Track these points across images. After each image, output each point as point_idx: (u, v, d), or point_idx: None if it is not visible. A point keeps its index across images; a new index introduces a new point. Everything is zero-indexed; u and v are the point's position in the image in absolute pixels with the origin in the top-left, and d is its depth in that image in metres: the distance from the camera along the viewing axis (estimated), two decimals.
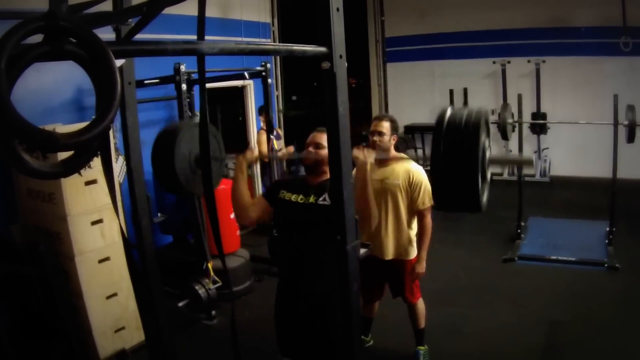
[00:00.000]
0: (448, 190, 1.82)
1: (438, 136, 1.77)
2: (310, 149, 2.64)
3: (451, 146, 1.75)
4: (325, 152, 2.53)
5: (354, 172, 2.19)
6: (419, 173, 3.42)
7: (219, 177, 2.99)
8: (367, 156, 2.37)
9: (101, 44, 1.16)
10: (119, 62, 1.23)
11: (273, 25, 8.01)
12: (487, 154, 1.86)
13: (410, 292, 3.59)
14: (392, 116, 3.53)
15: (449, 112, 1.83)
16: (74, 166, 1.32)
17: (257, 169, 7.46)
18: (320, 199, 2.52)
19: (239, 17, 7.04)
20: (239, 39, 6.80)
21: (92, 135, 1.16)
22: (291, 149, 2.81)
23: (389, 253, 3.47)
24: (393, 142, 3.45)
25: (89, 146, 1.29)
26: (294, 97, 10.86)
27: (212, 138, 2.80)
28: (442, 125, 1.78)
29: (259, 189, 7.47)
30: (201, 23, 1.64)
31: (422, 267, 3.51)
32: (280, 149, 6.27)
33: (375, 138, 3.39)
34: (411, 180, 3.39)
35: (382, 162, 3.45)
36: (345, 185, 1.79)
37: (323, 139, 2.57)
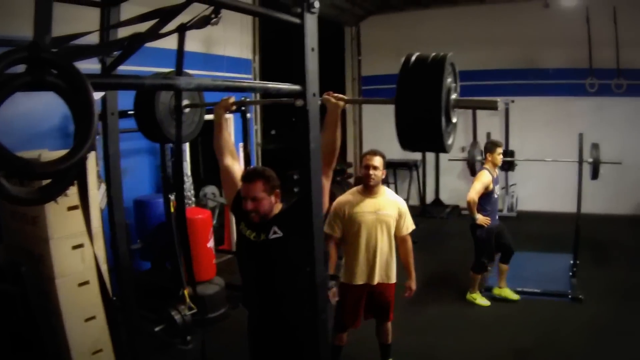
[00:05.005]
0: (413, 128, 1.86)
1: (404, 74, 1.83)
2: (249, 204, 2.56)
3: (415, 84, 1.81)
4: (265, 203, 2.57)
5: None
6: (403, 203, 3.79)
7: (200, 124, 3.15)
8: (337, 100, 2.38)
9: (80, 76, 1.21)
10: (98, 95, 1.29)
11: (254, 61, 8.18)
12: (453, 96, 1.92)
13: (392, 311, 3.80)
14: (382, 152, 3.73)
15: (416, 53, 1.90)
16: (50, 194, 1.34)
17: None
18: (271, 233, 2.56)
19: (222, 53, 7.18)
20: (221, 74, 6.92)
21: (69, 165, 1.21)
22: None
23: (376, 278, 3.66)
24: (383, 177, 3.67)
25: (66, 175, 1.33)
26: (272, 132, 10.97)
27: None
28: (408, 64, 1.85)
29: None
30: (180, 58, 1.73)
31: (414, 284, 3.82)
32: None
33: (371, 172, 3.58)
34: (400, 210, 3.70)
35: (371, 193, 3.66)
36: (315, 217, 1.86)
37: (257, 189, 2.55)
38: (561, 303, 5.21)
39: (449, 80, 1.87)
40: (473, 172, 6.27)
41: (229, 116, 6.89)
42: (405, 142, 1.96)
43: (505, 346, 4.35)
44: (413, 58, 1.89)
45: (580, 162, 5.73)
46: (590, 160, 5.65)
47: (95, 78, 1.35)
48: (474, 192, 5.09)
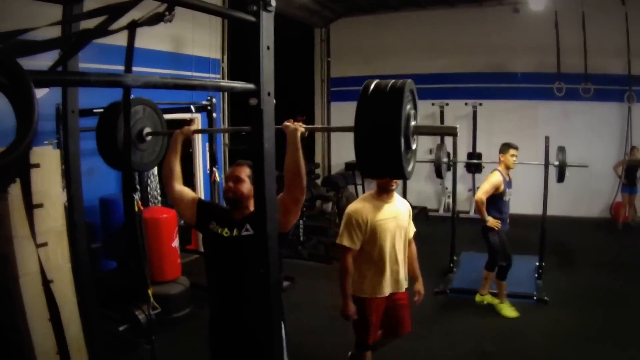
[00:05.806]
0: (372, 156, 1.84)
1: (363, 102, 1.82)
2: (230, 183, 2.66)
3: (374, 112, 1.80)
4: (245, 186, 2.61)
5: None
6: (410, 206, 3.67)
7: (162, 151, 3.08)
8: (296, 125, 2.36)
9: (22, 72, 1.17)
10: (41, 91, 1.25)
11: (223, 61, 8.18)
12: (412, 123, 1.91)
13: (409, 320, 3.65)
14: None
15: (375, 81, 1.90)
16: None
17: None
18: (243, 230, 2.60)
19: (191, 53, 7.19)
20: (190, 73, 6.90)
21: (7, 161, 1.17)
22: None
23: (403, 285, 3.53)
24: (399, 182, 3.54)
25: (5, 172, 1.29)
26: (243, 133, 10.90)
27: (154, 113, 2.93)
28: (367, 93, 1.85)
29: None
30: (129, 56, 1.68)
31: (423, 288, 3.69)
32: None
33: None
34: (410, 214, 3.61)
35: (389, 198, 3.45)
36: (269, 219, 1.82)
37: (243, 172, 2.63)
38: (526, 305, 5.28)
39: (408, 107, 1.87)
40: (439, 174, 6.29)
41: (197, 115, 6.92)
42: (365, 169, 1.97)
43: (471, 348, 4.38)
44: (372, 86, 1.89)
45: (547, 165, 5.83)
46: (557, 163, 5.72)
47: (38, 74, 1.31)
48: (482, 192, 4.96)
